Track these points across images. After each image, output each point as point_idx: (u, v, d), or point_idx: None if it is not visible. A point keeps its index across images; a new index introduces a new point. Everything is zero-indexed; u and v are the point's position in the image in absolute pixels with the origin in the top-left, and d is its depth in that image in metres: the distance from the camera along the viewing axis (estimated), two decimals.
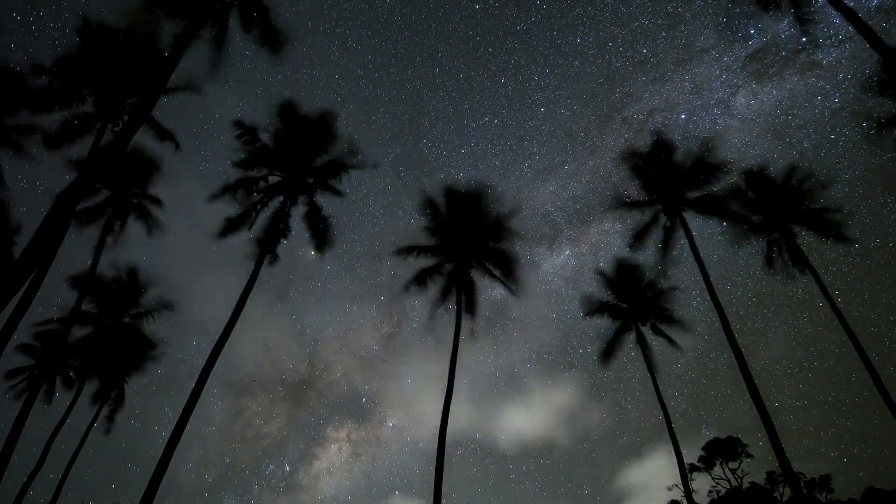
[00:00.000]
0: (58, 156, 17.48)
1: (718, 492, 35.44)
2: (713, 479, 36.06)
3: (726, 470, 35.79)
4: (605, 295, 23.74)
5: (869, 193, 49.07)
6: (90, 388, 23.35)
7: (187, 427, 13.43)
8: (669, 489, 36.43)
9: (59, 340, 18.78)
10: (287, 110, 18.34)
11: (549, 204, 70.70)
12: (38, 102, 16.56)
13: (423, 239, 20.57)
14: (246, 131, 18.29)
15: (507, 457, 67.00)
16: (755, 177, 21.93)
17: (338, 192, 19.31)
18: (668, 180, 20.64)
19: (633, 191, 21.54)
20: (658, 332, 22.94)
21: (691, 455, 37.07)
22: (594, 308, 23.70)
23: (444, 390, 17.33)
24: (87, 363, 22.50)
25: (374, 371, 73.88)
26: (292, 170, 18.76)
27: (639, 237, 21.45)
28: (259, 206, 18.51)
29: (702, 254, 18.85)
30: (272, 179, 18.82)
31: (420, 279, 20.12)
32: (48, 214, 10.52)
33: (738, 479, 35.17)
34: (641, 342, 22.73)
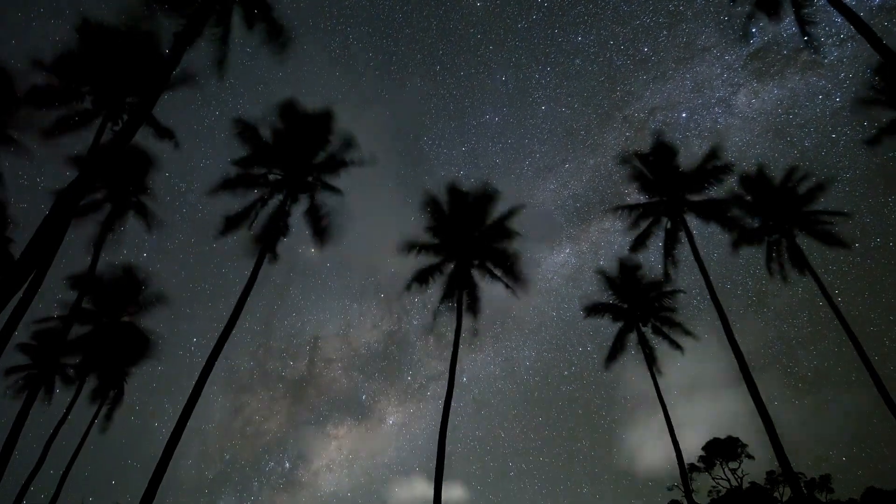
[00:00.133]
0: (55, 149, 17.46)
1: (718, 492, 35.43)
2: (713, 479, 36.07)
3: (726, 470, 35.78)
4: (606, 295, 23.74)
5: (870, 193, 49.16)
6: (90, 386, 23.34)
7: (187, 423, 13.44)
8: (669, 489, 36.44)
9: (59, 339, 18.76)
10: (287, 109, 18.32)
11: (550, 202, 70.76)
12: (38, 101, 16.54)
13: (424, 237, 20.56)
14: (246, 129, 18.28)
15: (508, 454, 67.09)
16: (754, 179, 21.96)
17: (337, 190, 19.34)
18: (669, 182, 20.64)
19: (634, 192, 21.57)
20: (659, 332, 22.95)
21: (692, 456, 37.10)
22: (595, 308, 23.70)
23: (445, 389, 17.36)
24: (87, 362, 22.48)
25: (374, 368, 73.94)
26: (292, 168, 18.76)
27: (640, 239, 21.46)
28: (259, 205, 18.53)
29: (702, 254, 18.88)
30: (272, 178, 18.83)
31: (421, 278, 20.11)
32: (48, 214, 10.52)
33: (738, 479, 35.17)
34: (643, 343, 22.74)
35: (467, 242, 20.25)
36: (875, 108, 19.17)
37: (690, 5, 56.83)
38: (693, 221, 20.40)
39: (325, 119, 18.61)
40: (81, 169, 11.60)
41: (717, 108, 59.44)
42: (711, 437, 36.69)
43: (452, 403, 17.08)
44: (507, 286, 20.39)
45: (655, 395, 21.62)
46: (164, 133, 18.91)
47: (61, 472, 20.68)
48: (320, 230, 18.96)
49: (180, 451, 13.21)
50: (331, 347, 72.42)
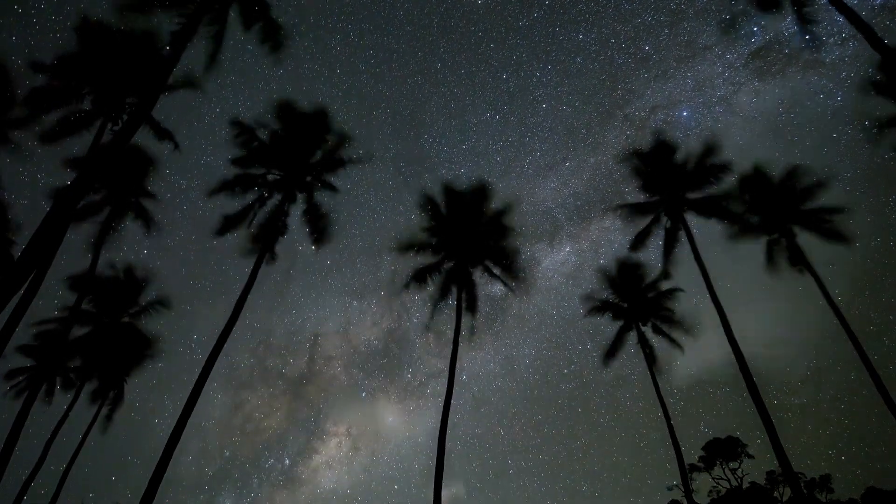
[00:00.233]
0: (54, 151, 17.47)
1: (718, 492, 35.42)
2: (713, 479, 36.06)
3: (726, 470, 35.77)
4: (606, 294, 23.75)
5: (870, 192, 49.12)
6: (90, 387, 23.35)
7: (187, 423, 13.43)
8: (670, 489, 36.43)
9: (59, 340, 18.78)
10: (284, 109, 18.34)
11: (550, 200, 70.72)
12: (37, 101, 16.54)
13: (422, 236, 20.55)
14: (244, 131, 18.31)
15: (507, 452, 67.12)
16: (754, 178, 21.91)
17: (335, 189, 19.37)
18: (669, 181, 20.63)
19: (634, 190, 21.56)
20: (659, 331, 22.95)
21: (691, 456, 37.09)
22: (595, 307, 23.71)
23: (444, 387, 17.36)
24: (87, 363, 22.51)
25: (374, 366, 73.96)
26: (290, 168, 18.78)
27: (640, 238, 21.45)
28: (257, 205, 18.55)
29: (702, 253, 18.88)
30: (270, 178, 18.84)
31: (420, 277, 20.11)
32: (48, 214, 10.52)
33: (738, 479, 35.16)
34: (643, 342, 22.74)
35: (465, 241, 20.24)
36: (877, 103, 19.12)
37: (692, 4, 56.79)
38: (693, 220, 20.42)
39: (321, 118, 18.64)
40: (81, 169, 11.60)
41: (718, 107, 59.42)
42: (711, 437, 36.73)
43: (452, 401, 17.10)
44: (505, 285, 20.41)
45: (656, 395, 21.64)
46: (164, 134, 18.92)
47: (61, 472, 20.72)
48: (319, 230, 18.99)
49: (180, 448, 13.24)
50: (331, 345, 72.49)
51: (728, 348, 16.73)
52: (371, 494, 64.24)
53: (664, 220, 21.06)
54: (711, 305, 17.67)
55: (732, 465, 35.58)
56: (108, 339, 22.68)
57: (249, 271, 16.48)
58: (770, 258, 22.46)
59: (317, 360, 70.02)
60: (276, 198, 18.64)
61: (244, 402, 66.78)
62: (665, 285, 22.87)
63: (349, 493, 64.42)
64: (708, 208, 20.34)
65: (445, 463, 15.72)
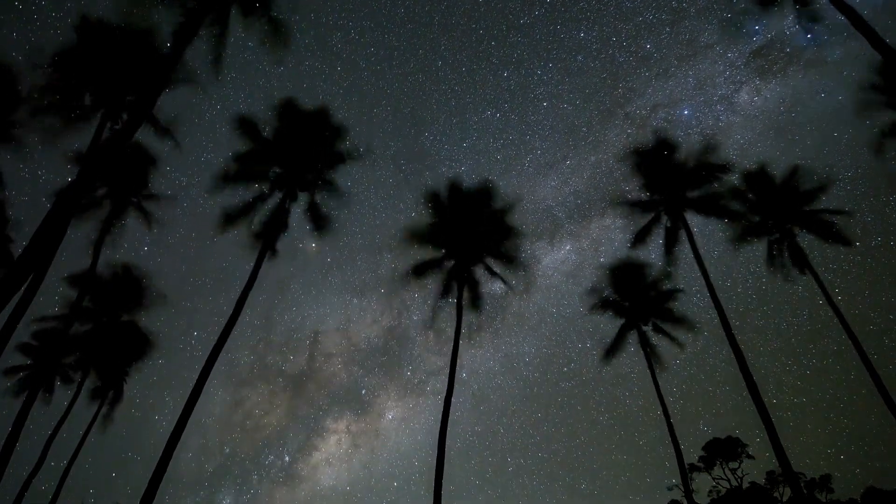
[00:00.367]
0: (55, 148, 17.44)
1: (718, 492, 35.43)
2: (713, 479, 36.07)
3: (726, 470, 35.79)
4: (607, 293, 23.74)
5: (871, 192, 49.14)
6: (89, 386, 23.35)
7: (187, 423, 13.42)
8: (669, 489, 36.44)
9: (59, 339, 18.77)
10: (286, 108, 18.34)
11: (551, 198, 70.83)
12: (38, 100, 16.52)
13: (424, 233, 20.46)
14: (246, 128, 18.30)
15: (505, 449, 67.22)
16: (755, 177, 21.92)
17: (336, 186, 19.37)
18: (669, 180, 20.62)
19: (635, 189, 21.54)
20: (660, 331, 22.94)
21: (691, 454, 37.12)
22: (596, 305, 23.71)
23: (444, 384, 17.36)
24: (87, 361, 22.49)
25: (374, 363, 74.05)
26: (291, 165, 18.78)
27: (640, 236, 21.44)
28: (259, 202, 18.55)
29: (702, 252, 18.88)
30: (271, 175, 18.84)
31: (419, 271, 20.06)
32: (48, 213, 10.51)
33: (738, 479, 35.17)
34: (643, 341, 22.73)
35: (468, 239, 20.23)
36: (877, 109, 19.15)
37: (693, 2, 56.78)
38: (693, 219, 20.42)
39: (322, 116, 18.65)
40: (81, 168, 11.58)
41: (719, 106, 59.42)
42: (711, 435, 36.75)
43: (452, 399, 17.08)
44: (506, 283, 20.40)
45: (656, 394, 21.64)
46: (165, 132, 18.91)
47: (62, 469, 20.74)
48: (320, 226, 19.01)
49: (180, 445, 13.22)
50: (331, 342, 72.61)
51: (728, 347, 16.75)
52: (370, 491, 64.39)
53: (664, 218, 21.06)
54: (711, 304, 17.69)
55: (732, 465, 35.61)
56: (107, 338, 22.68)
57: (250, 269, 16.49)
58: (771, 258, 22.47)
59: (317, 358, 70.17)
60: (278, 195, 18.65)
61: (244, 398, 66.95)
62: (666, 285, 22.87)
63: (349, 489, 64.57)
64: (708, 207, 20.34)
65: (445, 461, 15.73)
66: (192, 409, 13.61)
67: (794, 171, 21.58)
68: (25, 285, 13.59)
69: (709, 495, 35.60)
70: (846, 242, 21.36)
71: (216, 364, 14.44)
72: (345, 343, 72.63)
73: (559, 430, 67.09)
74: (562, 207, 71.62)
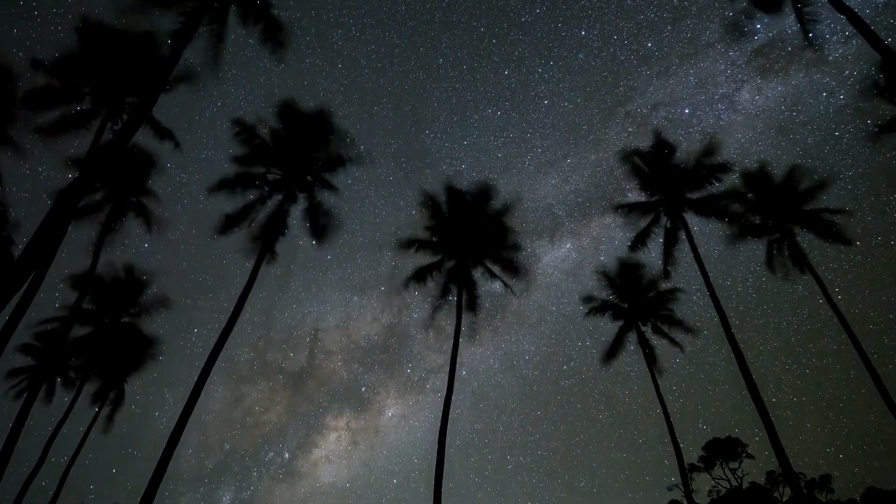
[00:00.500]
0: (55, 149, 17.45)
1: (718, 492, 35.42)
2: (713, 479, 36.06)
3: (726, 470, 35.78)
4: (606, 294, 23.74)
5: (871, 191, 49.12)
6: (90, 386, 23.36)
7: (187, 423, 13.43)
8: (670, 489, 36.42)
9: (60, 340, 18.78)
10: (286, 109, 18.34)
11: (551, 197, 70.83)
12: (38, 101, 16.54)
13: (423, 235, 20.52)
14: (245, 129, 18.29)
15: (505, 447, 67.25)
16: (755, 177, 21.91)
17: (335, 189, 19.38)
18: (668, 180, 20.62)
19: (635, 188, 21.53)
20: (659, 332, 22.94)
21: (690, 452, 37.14)
22: (595, 307, 23.70)
23: (443, 382, 17.37)
24: (88, 362, 22.50)
25: (374, 360, 74.11)
26: (291, 167, 18.78)
27: (640, 238, 21.44)
28: (258, 205, 18.55)
29: (702, 251, 18.89)
30: (271, 177, 18.85)
31: (420, 276, 20.10)
32: (48, 214, 10.53)
33: (738, 479, 35.16)
34: (643, 342, 22.73)
35: (467, 241, 20.24)
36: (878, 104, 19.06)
37: (695, 1, 56.74)
38: (693, 219, 20.42)
39: (322, 118, 18.64)
40: (81, 169, 11.61)
41: (720, 105, 59.41)
42: (710, 434, 36.74)
43: (451, 399, 17.08)
44: (506, 285, 20.41)
45: (655, 393, 21.64)
46: (165, 134, 18.91)
47: (62, 467, 20.80)
48: (319, 229, 18.99)
49: (180, 442, 13.22)
50: (331, 339, 72.68)
51: (727, 346, 16.76)
52: (370, 489, 64.49)
53: (664, 219, 21.06)
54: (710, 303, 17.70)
55: (732, 465, 35.59)
56: (108, 339, 22.68)
57: (250, 270, 16.50)
58: (770, 258, 22.47)
59: (317, 355, 70.26)
60: (277, 197, 18.64)
61: (244, 395, 67.06)
62: (665, 285, 22.88)
63: (348, 486, 64.66)
64: (708, 208, 20.33)
65: (444, 459, 15.74)
66: (192, 409, 13.63)
67: (794, 171, 21.57)
68: (26, 285, 13.60)
69: (709, 495, 35.60)
70: (846, 242, 21.34)
71: (217, 361, 14.47)
72: (345, 340, 72.74)
73: (559, 428, 67.17)
74: (562, 206, 71.69)
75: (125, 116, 16.90)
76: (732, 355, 16.46)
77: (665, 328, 22.85)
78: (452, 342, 18.27)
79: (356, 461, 67.47)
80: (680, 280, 22.47)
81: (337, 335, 72.23)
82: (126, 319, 23.65)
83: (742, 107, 58.34)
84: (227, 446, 65.54)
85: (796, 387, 54.51)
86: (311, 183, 19.13)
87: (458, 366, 17.93)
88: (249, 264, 16.74)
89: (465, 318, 19.54)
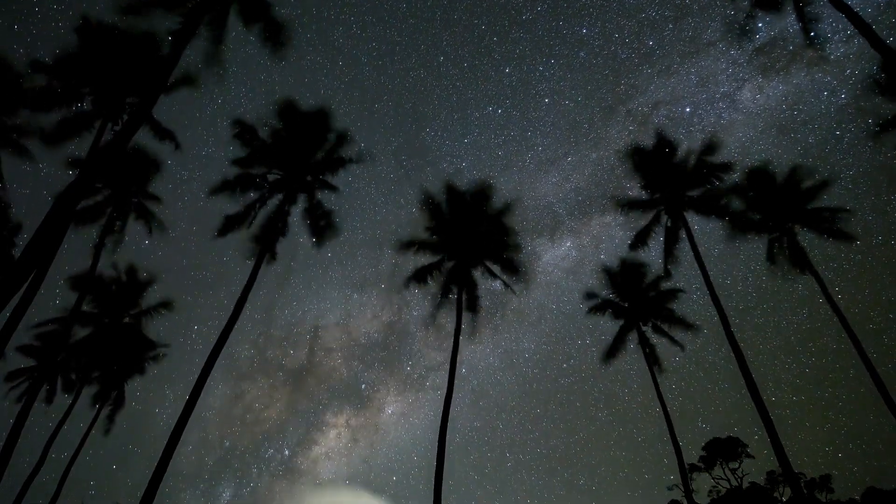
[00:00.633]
0: (57, 153, 17.47)
1: (718, 492, 35.42)
2: (713, 479, 36.06)
3: (726, 470, 35.77)
4: (607, 293, 23.73)
5: (872, 191, 49.10)
6: (90, 388, 23.35)
7: (187, 423, 13.43)
8: (670, 489, 36.43)
9: (60, 341, 18.78)
10: (285, 109, 18.33)
11: (552, 195, 70.85)
12: (38, 101, 16.54)
13: (423, 233, 20.48)
14: (245, 130, 18.29)
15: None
16: (756, 176, 21.87)
17: (335, 189, 19.36)
18: (669, 179, 20.61)
19: (635, 187, 21.52)
20: (660, 331, 22.93)
21: (689, 451, 37.13)
22: (596, 306, 23.69)
23: (443, 380, 17.36)
24: (88, 363, 22.49)
25: (374, 358, 74.17)
26: (291, 168, 18.78)
27: (640, 237, 21.43)
28: (258, 205, 18.54)
29: (702, 250, 18.87)
30: (271, 178, 18.84)
31: (420, 276, 20.08)
32: (48, 214, 10.53)
33: (739, 479, 35.15)
34: (643, 342, 22.72)
35: (467, 241, 20.23)
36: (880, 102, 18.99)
37: None
38: (693, 218, 20.41)
39: (322, 118, 18.62)
40: (81, 169, 11.60)
41: (721, 103, 59.38)
42: (709, 432, 36.73)
43: (452, 399, 17.06)
44: (506, 284, 20.39)
45: (655, 392, 21.63)
46: (165, 134, 18.91)
47: (62, 465, 20.82)
48: (319, 230, 18.98)
49: (181, 438, 13.21)
50: (331, 337, 72.75)
51: (727, 345, 16.76)
52: (370, 485, 64.58)
53: (664, 218, 21.05)
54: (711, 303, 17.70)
55: (732, 465, 35.58)
56: (109, 340, 22.67)
57: (250, 270, 16.49)
58: (771, 257, 22.45)
59: (317, 352, 70.35)
60: (277, 198, 18.63)
61: (244, 392, 67.16)
62: (666, 285, 22.86)
63: (348, 483, 64.74)
64: (708, 207, 20.31)
65: (444, 458, 15.74)
66: (192, 409, 13.62)
67: (795, 169, 21.54)
68: (25, 286, 13.61)
69: (709, 495, 35.59)
70: (848, 238, 21.30)
71: (216, 362, 14.47)
72: (345, 338, 72.82)
73: (558, 426, 67.24)
74: (562, 204, 71.72)
75: (125, 117, 16.91)
76: (732, 354, 16.46)
77: (665, 327, 22.84)
78: (453, 342, 18.27)
79: (356, 458, 67.58)
80: (680, 278, 22.43)
81: (337, 332, 72.35)
82: (127, 320, 23.65)
83: (743, 106, 58.34)
84: (228, 443, 65.70)
85: (796, 386, 54.55)
86: (311, 183, 19.12)
87: (458, 365, 17.93)
88: (250, 262, 16.75)
89: (465, 317, 19.54)
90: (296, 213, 19.07)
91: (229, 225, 18.31)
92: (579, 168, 70.80)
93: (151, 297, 24.06)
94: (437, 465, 15.56)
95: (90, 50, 16.24)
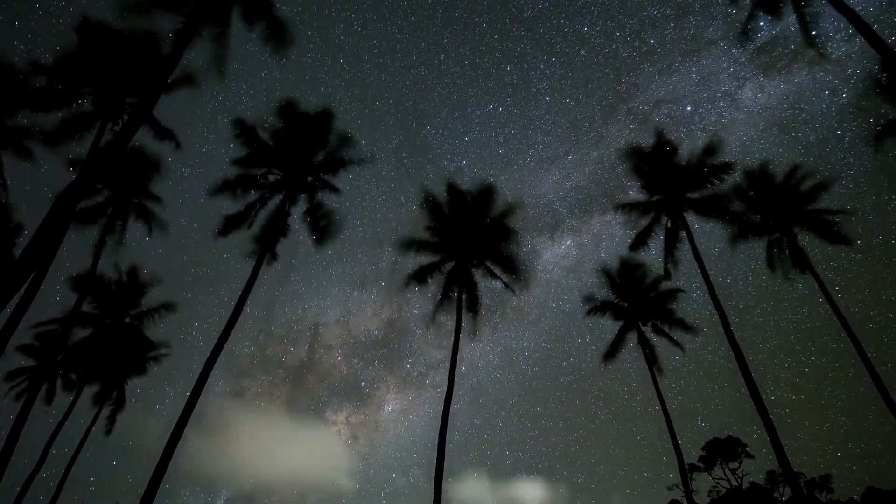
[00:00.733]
0: (58, 154, 17.44)
1: (718, 492, 35.41)
2: (713, 479, 36.05)
3: (726, 470, 35.77)
4: (607, 294, 23.72)
5: (873, 190, 49.05)
6: (91, 389, 23.35)
7: (187, 423, 13.43)
8: (670, 489, 36.43)
9: (61, 341, 18.79)
10: (286, 109, 18.31)
11: (552, 193, 70.83)
12: (38, 102, 16.53)
13: (423, 232, 20.42)
14: (245, 130, 18.27)
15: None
16: (756, 177, 21.87)
17: (336, 189, 19.34)
18: (669, 180, 20.59)
19: (636, 187, 21.50)
20: (660, 332, 22.92)
21: (689, 450, 37.14)
22: (596, 307, 23.67)
23: (444, 378, 17.34)
24: (89, 364, 22.49)
25: (374, 356, 74.22)
26: (291, 168, 18.76)
27: (640, 237, 21.42)
28: (258, 205, 18.53)
29: (701, 249, 18.87)
30: (272, 178, 18.83)
31: (420, 276, 20.05)
32: (48, 214, 10.53)
33: (738, 479, 35.15)
34: (643, 342, 22.71)
35: (467, 241, 20.20)
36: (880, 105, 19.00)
37: None
38: (693, 219, 20.40)
39: (324, 118, 18.60)
40: (81, 169, 11.61)
41: (722, 102, 59.32)
42: (708, 431, 36.72)
43: (452, 398, 17.04)
44: (506, 285, 20.37)
45: (654, 391, 21.63)
46: (165, 134, 18.89)
47: (63, 461, 20.85)
48: (319, 230, 18.96)
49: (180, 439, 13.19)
50: (331, 334, 72.80)
51: (727, 344, 16.76)
52: (369, 483, 64.61)
53: (665, 219, 21.03)
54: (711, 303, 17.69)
55: (732, 465, 35.57)
56: (109, 341, 22.67)
57: (250, 269, 16.49)
58: (771, 258, 22.44)
59: (317, 350, 70.34)
60: (277, 198, 18.62)
61: (244, 389, 67.13)
62: (666, 285, 22.84)
63: (347, 480, 64.76)
64: (708, 208, 20.30)
65: (444, 456, 15.74)
66: (193, 408, 13.62)
67: (795, 170, 21.53)
68: (25, 286, 13.61)
69: (709, 495, 35.58)
70: (846, 242, 21.31)
71: (216, 362, 14.46)
72: (345, 335, 72.87)
73: (558, 424, 67.31)
74: (563, 202, 71.70)
75: (125, 117, 16.89)
76: (732, 353, 16.47)
77: (665, 328, 22.82)
78: (453, 341, 18.25)
79: (355, 456, 67.64)
80: (679, 278, 22.42)
81: (337, 330, 72.40)
82: (128, 321, 23.64)
83: (744, 105, 58.29)
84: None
85: (795, 385, 54.56)
86: (311, 184, 19.10)
87: (458, 363, 17.92)
88: (251, 259, 16.76)
89: (466, 316, 19.52)
90: (296, 214, 19.09)
91: (230, 225, 18.31)
92: (580, 166, 70.81)
93: (153, 298, 24.07)
94: (437, 464, 15.56)
95: (90, 50, 16.22)
